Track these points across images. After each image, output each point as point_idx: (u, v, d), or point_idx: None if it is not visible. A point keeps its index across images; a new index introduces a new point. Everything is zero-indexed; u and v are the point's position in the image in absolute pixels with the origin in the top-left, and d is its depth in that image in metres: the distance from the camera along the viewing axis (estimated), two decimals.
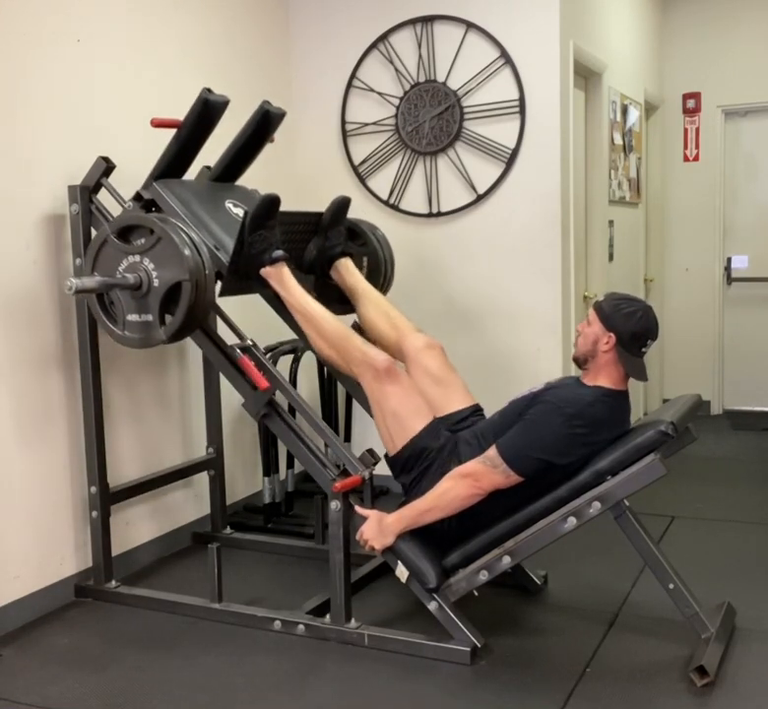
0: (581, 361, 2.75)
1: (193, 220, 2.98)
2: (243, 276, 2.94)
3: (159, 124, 3.15)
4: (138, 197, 3.05)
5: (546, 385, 2.81)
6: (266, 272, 2.93)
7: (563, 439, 2.60)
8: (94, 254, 2.84)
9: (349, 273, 3.22)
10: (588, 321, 2.73)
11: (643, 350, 2.69)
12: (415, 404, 2.82)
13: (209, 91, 2.99)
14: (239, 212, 3.16)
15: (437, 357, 3.03)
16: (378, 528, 2.73)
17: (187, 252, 2.69)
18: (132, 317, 2.83)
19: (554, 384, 2.83)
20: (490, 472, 2.61)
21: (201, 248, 2.74)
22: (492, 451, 2.63)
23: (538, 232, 4.07)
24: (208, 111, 3.00)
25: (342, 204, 3.21)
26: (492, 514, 2.70)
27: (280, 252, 2.93)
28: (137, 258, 2.77)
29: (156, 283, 2.75)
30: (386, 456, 2.90)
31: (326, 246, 3.19)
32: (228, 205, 3.19)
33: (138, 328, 2.82)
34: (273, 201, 2.88)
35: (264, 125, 3.16)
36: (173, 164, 3.07)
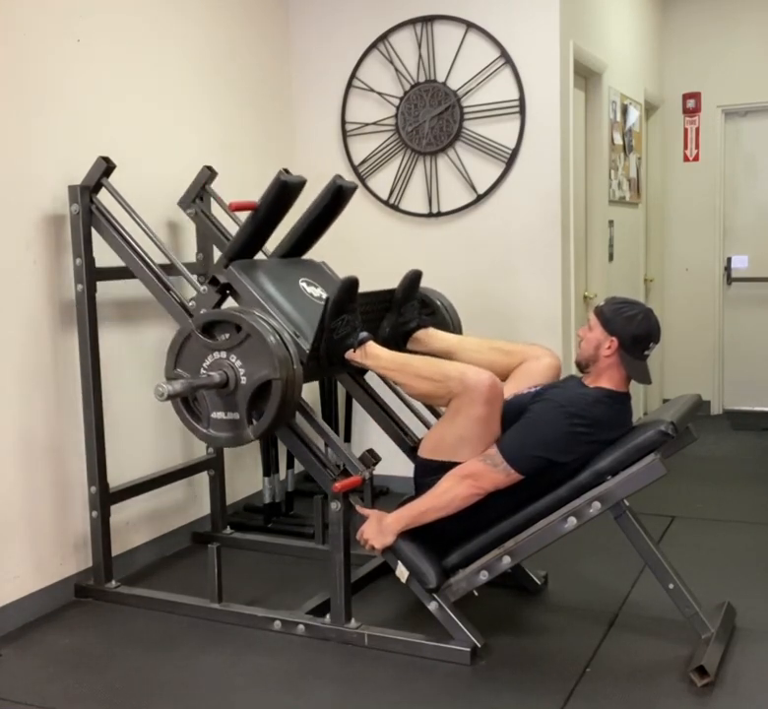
0: (583, 366, 2.75)
1: (271, 305, 2.86)
2: (325, 362, 2.82)
3: (237, 208, 3.14)
4: (214, 281, 2.93)
5: (547, 384, 2.81)
6: (351, 355, 2.84)
7: (564, 437, 2.60)
8: (177, 350, 2.76)
9: (434, 339, 3.13)
10: (589, 326, 2.73)
11: (645, 353, 2.69)
12: (486, 438, 2.66)
13: (286, 171, 2.92)
14: (313, 291, 3.06)
15: (546, 371, 2.96)
16: (378, 527, 2.73)
17: (277, 349, 2.60)
18: (217, 415, 2.74)
19: (555, 383, 2.83)
20: (490, 471, 2.60)
21: (287, 342, 2.65)
22: (492, 449, 2.63)
23: (538, 232, 4.07)
24: (285, 193, 2.91)
25: (414, 279, 3.11)
26: (493, 514, 2.70)
27: (365, 334, 2.82)
28: (223, 354, 2.69)
29: (243, 380, 2.66)
30: (414, 449, 2.88)
31: (399, 322, 3.09)
32: (302, 284, 3.07)
33: (224, 426, 2.74)
34: (353, 284, 2.77)
35: (336, 200, 3.06)
36: (248, 246, 2.97)
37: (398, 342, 3.10)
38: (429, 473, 2.75)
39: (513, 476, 2.60)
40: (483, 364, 2.80)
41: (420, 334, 3.13)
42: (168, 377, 2.78)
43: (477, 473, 2.62)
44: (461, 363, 2.79)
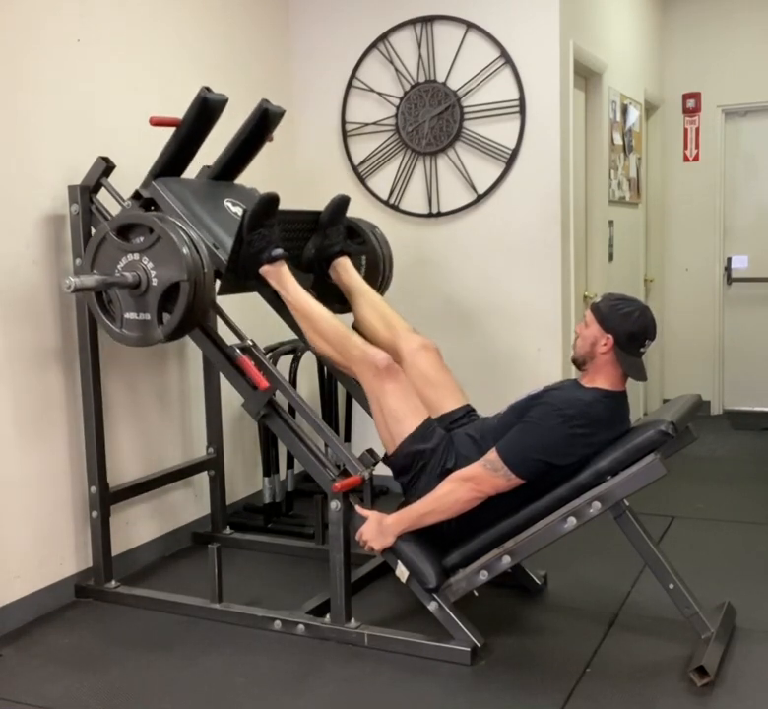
0: (579, 363, 2.75)
1: (192, 218, 2.98)
2: (242, 274, 2.94)
3: (157, 123, 3.14)
4: (137, 195, 3.05)
5: (545, 388, 2.81)
6: (265, 270, 2.93)
7: (563, 440, 2.60)
8: (93, 252, 2.85)
9: (346, 272, 3.22)
10: (585, 323, 2.73)
11: (641, 350, 2.68)
12: (412, 403, 2.82)
13: (208, 89, 2.99)
14: (238, 210, 3.16)
15: (432, 358, 3.03)
16: (378, 528, 2.73)
17: (186, 251, 2.69)
18: (130, 315, 2.83)
19: (553, 386, 2.83)
20: (491, 475, 2.60)
21: (200, 247, 2.74)
22: (493, 454, 2.63)
23: (538, 232, 4.07)
24: (207, 110, 3.00)
25: (340, 202, 3.21)
26: (492, 514, 2.70)
27: (279, 250, 2.93)
28: (136, 256, 2.77)
29: (154, 281, 2.75)
30: (385, 456, 2.90)
31: (325, 245, 3.19)
32: (227, 203, 3.19)
33: (136, 326, 2.83)
34: (272, 199, 2.88)
35: (263, 124, 3.15)
36: (172, 163, 3.07)
37: (322, 265, 3.22)
38: (403, 470, 2.81)
39: (514, 480, 2.60)
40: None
41: (339, 262, 3.22)
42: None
43: (477, 477, 2.62)
44: (362, 341, 2.90)
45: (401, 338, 3.06)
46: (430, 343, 3.07)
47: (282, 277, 2.94)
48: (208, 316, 2.94)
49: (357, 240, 3.43)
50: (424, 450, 2.76)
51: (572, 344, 2.83)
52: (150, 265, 2.75)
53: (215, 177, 3.28)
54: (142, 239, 2.77)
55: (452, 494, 2.65)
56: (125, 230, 2.82)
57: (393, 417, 2.79)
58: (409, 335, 3.08)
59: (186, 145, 3.06)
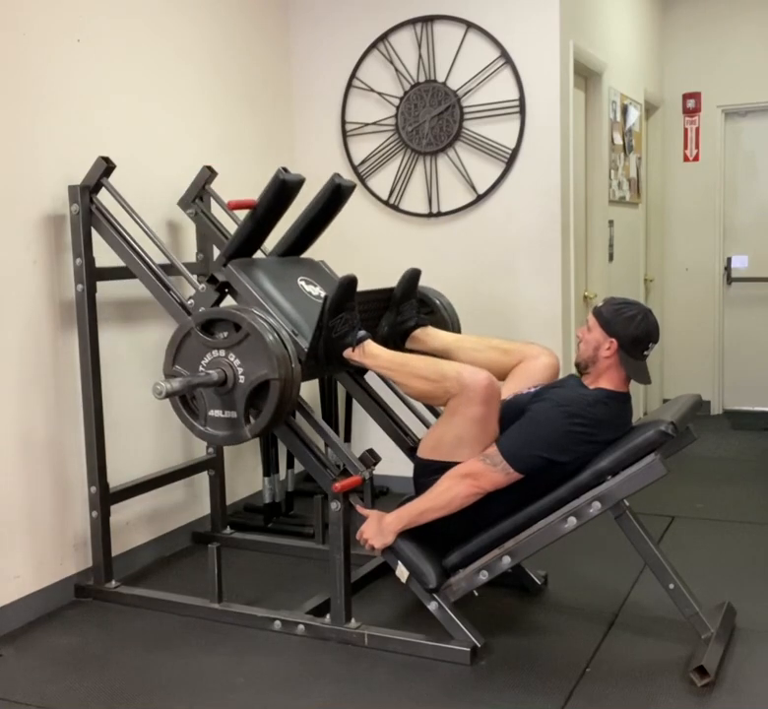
0: (582, 367, 2.75)
1: (269, 303, 2.86)
2: (323, 360, 2.81)
3: (236, 206, 3.14)
4: (212, 279, 2.94)
5: (547, 385, 2.81)
6: (349, 354, 2.83)
7: (563, 436, 2.60)
8: (175, 347, 2.76)
9: (432, 338, 3.12)
10: (588, 327, 2.73)
11: (645, 353, 2.68)
12: (484, 438, 2.67)
13: (285, 170, 2.91)
14: (312, 290, 3.06)
15: (545, 370, 2.96)
16: (378, 527, 2.73)
17: (276, 349, 2.61)
18: (215, 413, 2.74)
19: (555, 383, 2.83)
20: (490, 470, 2.60)
21: (287, 342, 2.66)
22: (492, 449, 2.63)
23: (538, 232, 4.07)
24: (284, 191, 2.90)
25: (413, 277, 3.11)
26: (493, 514, 2.70)
27: (363, 332, 2.82)
28: (222, 353, 2.69)
29: (241, 379, 2.67)
30: (414, 449, 2.87)
31: (398, 321, 3.09)
32: (301, 283, 3.07)
33: (222, 424, 2.74)
34: (351, 282, 2.77)
35: (335, 199, 3.06)
36: (247, 245, 2.96)
37: (396, 341, 3.10)
38: (428, 473, 2.75)
39: (512, 475, 2.60)
40: (481, 363, 2.81)
41: (419, 333, 3.12)
42: (167, 374, 2.79)
43: (476, 472, 2.62)
44: (458, 363, 2.79)
45: (525, 354, 2.99)
46: (552, 356, 3.00)
47: (369, 351, 2.82)
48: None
49: (425, 310, 3.29)
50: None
51: (575, 348, 2.82)
52: (236, 362, 2.67)
53: (283, 253, 3.18)
54: (226, 334, 2.69)
55: (451, 490, 2.64)
56: (209, 325, 2.74)
57: (455, 438, 2.68)
58: (530, 347, 3.02)
59: (262, 226, 2.94)
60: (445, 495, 2.65)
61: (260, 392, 2.66)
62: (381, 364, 2.82)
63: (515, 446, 2.61)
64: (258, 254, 3.10)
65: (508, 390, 2.84)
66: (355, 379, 3.27)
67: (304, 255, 3.25)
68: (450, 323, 3.32)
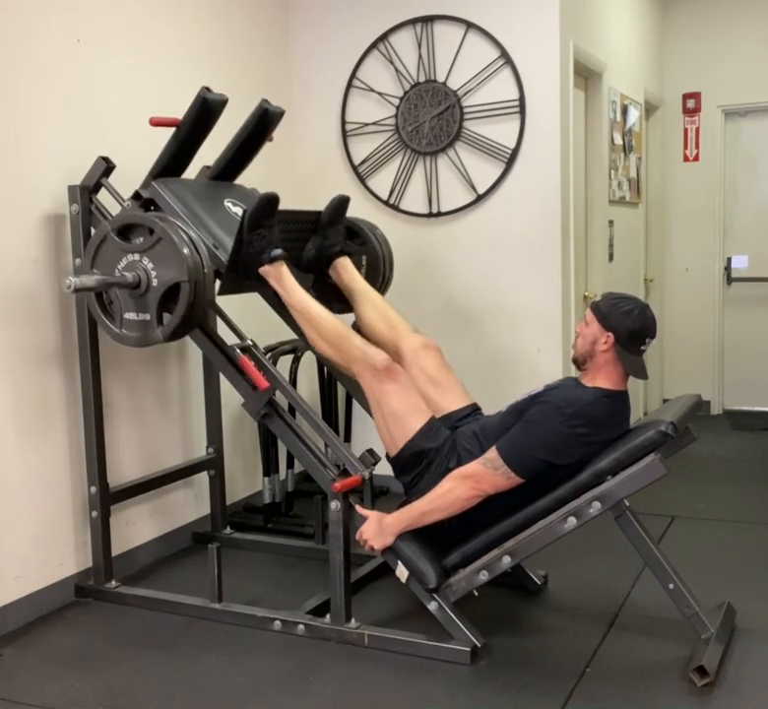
0: (580, 362, 2.75)
1: (192, 218, 2.98)
2: (242, 275, 2.93)
3: (157, 123, 3.14)
4: (137, 196, 3.05)
5: (546, 387, 2.81)
6: (265, 271, 2.92)
7: (563, 439, 2.60)
8: (93, 251, 2.84)
9: (346, 272, 3.22)
10: (585, 322, 2.73)
11: (642, 348, 2.68)
12: (414, 403, 2.81)
13: (207, 89, 2.99)
14: (238, 210, 3.15)
15: (434, 358, 3.03)
16: (378, 528, 2.73)
17: (186, 252, 2.68)
18: (130, 315, 2.83)
19: (553, 385, 2.83)
20: (491, 474, 2.61)
21: (200, 247, 2.74)
22: (492, 453, 2.63)
23: (538, 232, 4.07)
24: (206, 110, 3.00)
25: (340, 202, 3.21)
26: (493, 514, 2.70)
27: (278, 251, 2.92)
28: (136, 257, 2.77)
29: (154, 282, 2.75)
30: (387, 456, 2.90)
31: (325, 245, 3.19)
32: (227, 204, 3.18)
33: (136, 326, 2.83)
34: (271, 199, 2.88)
35: (263, 124, 3.15)
36: (172, 163, 3.07)
37: (322, 265, 3.21)
38: (405, 469, 2.80)
39: (513, 479, 2.61)
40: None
41: (340, 262, 3.21)
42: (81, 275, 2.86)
43: (477, 475, 2.62)
44: (362, 341, 2.89)
45: (403, 337, 3.06)
46: (432, 342, 3.07)
47: (282, 277, 2.94)
48: (208, 317, 2.94)
49: (358, 241, 3.43)
50: (429, 449, 2.76)
51: (572, 343, 2.83)
52: (150, 265, 2.75)
53: (215, 177, 3.28)
54: (142, 240, 2.77)
55: (451, 493, 2.65)
56: (126, 231, 2.82)
57: (393, 417, 2.79)
58: (410, 335, 3.08)
59: (186, 145, 3.06)
60: (446, 497, 2.65)
61: (172, 295, 2.73)
62: (289, 300, 2.95)
63: (515, 450, 2.61)
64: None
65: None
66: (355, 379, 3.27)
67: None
68: (382, 256, 3.45)
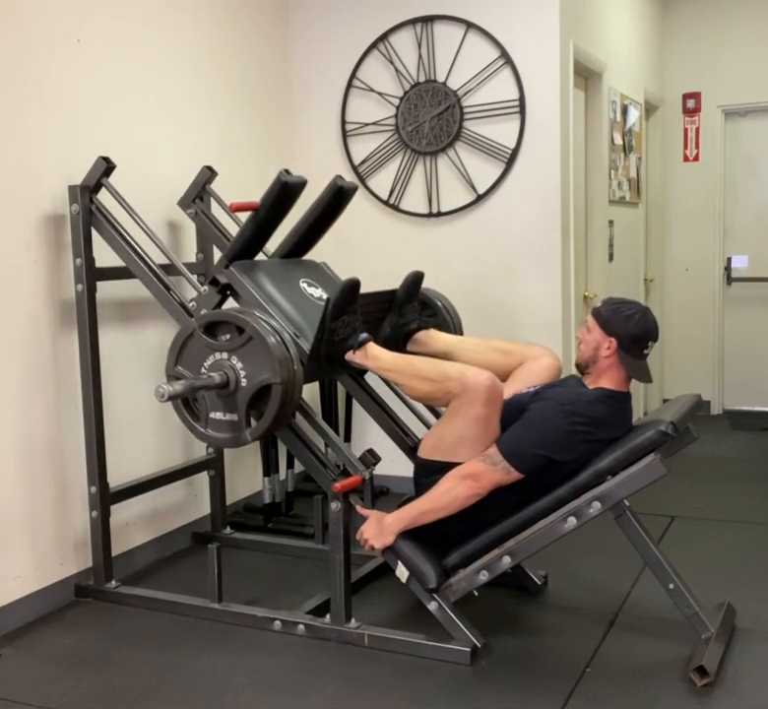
0: (583, 367, 2.75)
1: (272, 306, 2.86)
2: (325, 362, 2.81)
3: (237, 208, 3.13)
4: (214, 281, 2.92)
5: (547, 385, 2.81)
6: (351, 356, 2.83)
7: (563, 435, 2.60)
8: (178, 348, 2.76)
9: (435, 340, 3.11)
10: (587, 328, 2.73)
11: (645, 351, 2.69)
12: (485, 438, 2.67)
13: (287, 172, 2.91)
14: (314, 292, 3.06)
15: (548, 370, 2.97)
16: (378, 528, 2.73)
17: (279, 354, 2.60)
18: (216, 415, 2.75)
19: (555, 383, 2.83)
20: (490, 470, 2.60)
21: (289, 346, 2.65)
22: (492, 449, 2.63)
23: (538, 232, 4.07)
24: (286, 193, 2.89)
25: (416, 279, 3.10)
26: (493, 514, 2.70)
27: (365, 335, 2.82)
28: (224, 355, 2.69)
29: (243, 382, 2.67)
30: (414, 449, 2.88)
31: (400, 323, 3.09)
32: (303, 285, 3.06)
33: (223, 427, 2.74)
34: (354, 285, 2.76)
35: (337, 200, 3.06)
36: (249, 247, 2.96)
37: (398, 343, 3.09)
38: (429, 473, 2.75)
39: (513, 474, 2.60)
40: (483, 364, 2.80)
41: (421, 335, 3.12)
42: (169, 375, 2.79)
43: (476, 472, 2.62)
44: (460, 364, 2.79)
45: (527, 358, 2.98)
46: (549, 352, 3.00)
47: (372, 353, 2.82)
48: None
49: (428, 312, 3.29)
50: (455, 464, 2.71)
51: (575, 349, 2.83)
52: (239, 365, 2.67)
53: (286, 255, 3.17)
54: (229, 337, 2.69)
55: (451, 492, 2.64)
56: (212, 328, 2.73)
57: (460, 439, 2.67)
58: (530, 350, 3.02)
59: (263, 228, 2.94)
60: (446, 496, 2.65)
61: (262, 395, 2.66)
62: (383, 366, 2.81)
63: (515, 445, 2.61)
64: (260, 256, 3.10)
65: (510, 391, 2.84)
66: (356, 380, 3.27)
67: (306, 257, 3.25)
68: (452, 325, 3.31)
